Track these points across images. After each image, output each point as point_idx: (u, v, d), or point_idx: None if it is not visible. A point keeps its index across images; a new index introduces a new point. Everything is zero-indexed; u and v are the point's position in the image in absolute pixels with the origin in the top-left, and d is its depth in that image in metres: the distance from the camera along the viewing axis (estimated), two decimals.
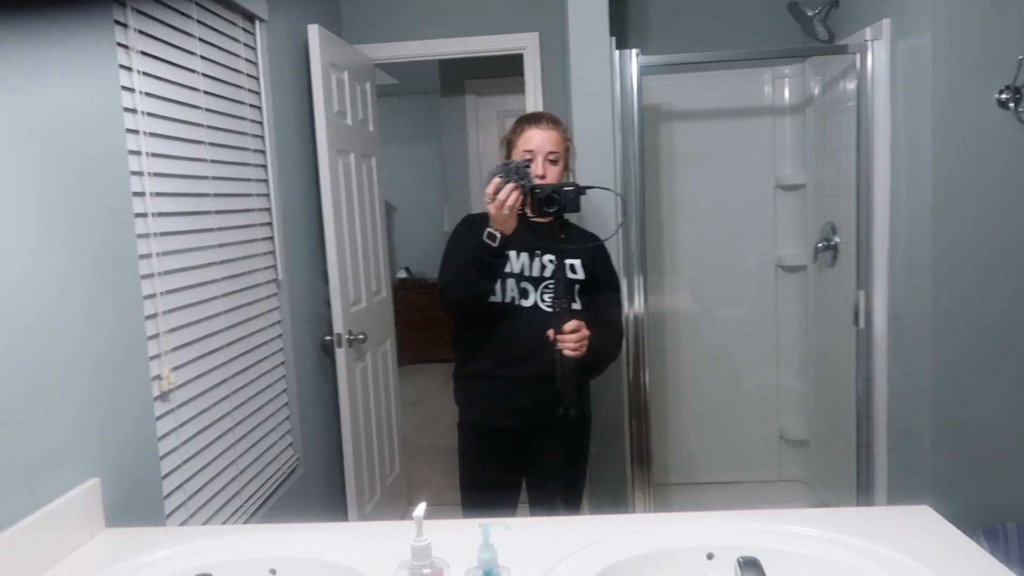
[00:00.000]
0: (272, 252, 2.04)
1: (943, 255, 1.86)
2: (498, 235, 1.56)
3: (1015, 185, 1.84)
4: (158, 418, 1.45)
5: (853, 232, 2.20)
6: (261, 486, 1.88)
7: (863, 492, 2.22)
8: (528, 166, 1.58)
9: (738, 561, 0.93)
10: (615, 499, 2.32)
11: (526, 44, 2.74)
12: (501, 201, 1.52)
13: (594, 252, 1.76)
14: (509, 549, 0.97)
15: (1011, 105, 1.81)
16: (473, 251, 1.60)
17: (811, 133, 2.71)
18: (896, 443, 2.10)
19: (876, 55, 2.07)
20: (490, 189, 1.54)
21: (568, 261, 1.72)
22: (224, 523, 1.67)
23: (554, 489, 1.78)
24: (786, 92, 2.79)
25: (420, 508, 0.91)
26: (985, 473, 1.89)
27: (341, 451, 2.36)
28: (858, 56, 2.11)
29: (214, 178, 1.74)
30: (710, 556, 1.09)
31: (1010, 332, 1.87)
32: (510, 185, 1.52)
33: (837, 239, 2.46)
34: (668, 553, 1.09)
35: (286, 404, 2.10)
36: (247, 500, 1.80)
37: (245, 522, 1.76)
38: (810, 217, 2.73)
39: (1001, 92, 1.81)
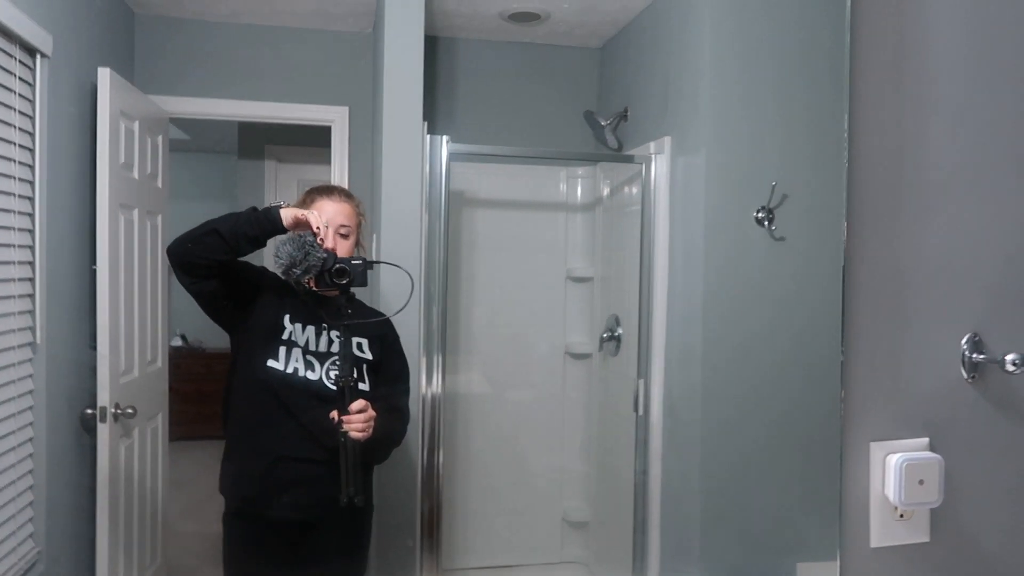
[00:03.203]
0: (31, 312, 1.80)
1: (711, 349, 2.07)
2: (281, 211, 1.50)
3: (768, 290, 2.10)
4: None
5: (635, 324, 2.38)
6: None
7: (637, 572, 2.33)
8: (315, 236, 1.55)
9: None
10: None
11: (335, 117, 2.72)
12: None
13: (383, 333, 1.71)
14: None
15: (765, 223, 2.09)
16: (247, 215, 1.50)
17: (600, 230, 2.93)
18: (668, 524, 2.25)
19: (659, 166, 2.31)
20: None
21: (355, 339, 1.66)
22: None
23: None
24: (579, 191, 3.00)
25: None
26: (744, 549, 2.07)
27: (94, 541, 2.08)
28: (643, 166, 2.34)
29: None
30: None
31: (766, 420, 2.10)
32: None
33: (620, 330, 2.64)
34: None
35: (30, 487, 1.82)
36: None
37: None
38: (597, 308, 2.92)
39: (758, 211, 2.09)
